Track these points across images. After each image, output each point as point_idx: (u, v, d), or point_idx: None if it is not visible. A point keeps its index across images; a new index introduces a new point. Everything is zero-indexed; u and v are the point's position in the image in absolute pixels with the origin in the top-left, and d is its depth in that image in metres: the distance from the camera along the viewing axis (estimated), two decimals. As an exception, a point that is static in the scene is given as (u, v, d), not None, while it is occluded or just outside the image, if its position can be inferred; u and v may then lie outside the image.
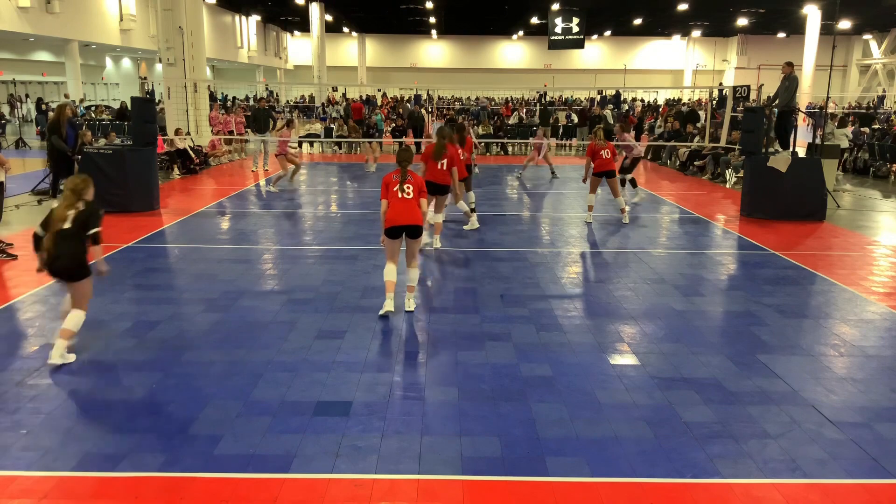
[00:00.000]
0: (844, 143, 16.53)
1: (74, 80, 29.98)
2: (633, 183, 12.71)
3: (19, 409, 4.33)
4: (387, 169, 13.66)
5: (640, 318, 6.22)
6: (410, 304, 6.32)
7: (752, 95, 19.78)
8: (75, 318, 5.02)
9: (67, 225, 4.93)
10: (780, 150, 12.41)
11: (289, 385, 4.71)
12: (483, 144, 20.77)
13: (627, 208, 10.91)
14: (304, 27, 46.10)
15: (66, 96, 28.73)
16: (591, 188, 10.57)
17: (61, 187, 11.08)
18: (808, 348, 5.55)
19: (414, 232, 6.15)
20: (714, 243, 9.45)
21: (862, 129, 20.61)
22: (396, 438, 4.02)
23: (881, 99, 42.05)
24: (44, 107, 27.49)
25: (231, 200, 12.40)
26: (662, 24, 46.92)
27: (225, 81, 49.82)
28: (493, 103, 36.06)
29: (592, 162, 10.26)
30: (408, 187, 6.07)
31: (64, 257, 4.90)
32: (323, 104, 36.49)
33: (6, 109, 29.53)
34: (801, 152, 12.05)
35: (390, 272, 6.19)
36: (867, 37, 48.47)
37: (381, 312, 6.13)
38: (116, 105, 35.25)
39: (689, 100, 37.97)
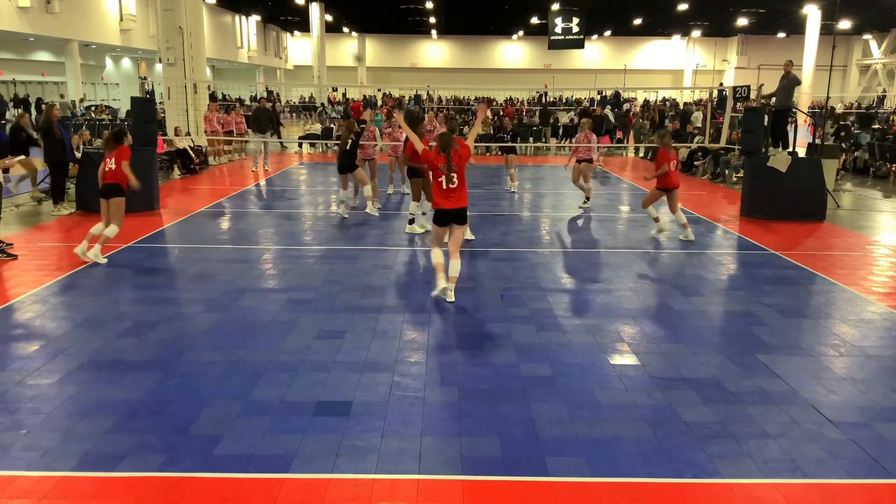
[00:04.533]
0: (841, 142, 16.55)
1: (74, 80, 29.98)
2: None
3: (19, 409, 4.32)
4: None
5: (640, 318, 6.21)
6: (451, 296, 6.49)
7: (752, 95, 19.77)
8: None
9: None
10: (773, 148, 12.41)
11: (289, 385, 4.71)
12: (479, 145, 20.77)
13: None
14: (304, 27, 46.13)
15: (63, 97, 28.76)
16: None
17: (68, 189, 11.11)
18: (808, 348, 5.55)
19: (461, 217, 6.46)
20: (714, 243, 9.45)
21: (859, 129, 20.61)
22: (396, 438, 4.02)
23: (881, 99, 42.03)
24: (43, 106, 27.47)
25: (231, 200, 12.40)
26: (662, 24, 46.91)
27: (225, 81, 49.80)
28: (494, 104, 36.02)
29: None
30: (454, 177, 6.35)
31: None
32: (323, 104, 36.51)
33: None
34: (801, 152, 12.05)
35: (437, 255, 6.54)
36: (867, 37, 48.45)
37: (436, 293, 6.48)
38: (117, 105, 35.32)
39: (665, 100, 37.53)
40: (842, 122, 15.26)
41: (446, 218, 6.41)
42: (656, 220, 9.38)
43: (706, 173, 16.09)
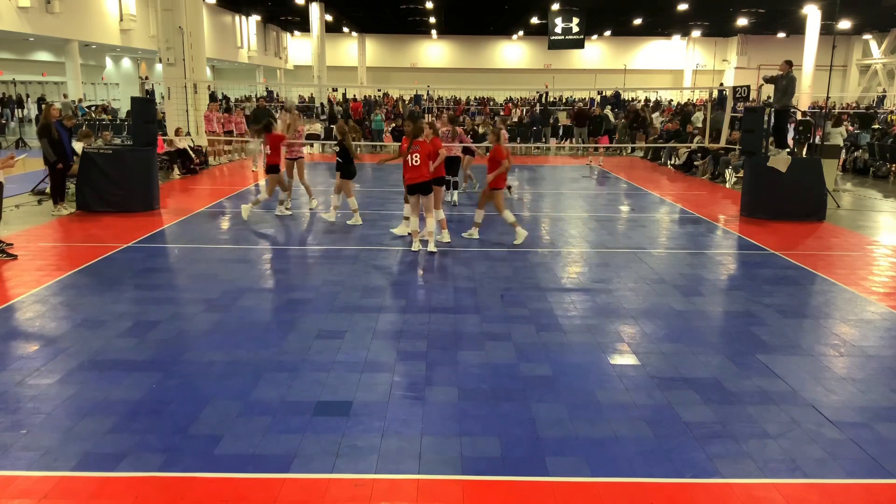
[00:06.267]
0: (839, 141, 16.55)
1: (74, 80, 29.99)
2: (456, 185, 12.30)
3: (19, 409, 4.32)
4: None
5: (640, 318, 6.21)
6: (432, 246, 8.39)
7: (752, 95, 19.79)
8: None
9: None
10: (775, 148, 12.42)
11: (289, 385, 4.71)
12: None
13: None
14: (304, 27, 46.09)
15: (65, 96, 28.77)
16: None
17: (68, 190, 11.10)
18: (808, 348, 5.55)
19: (424, 189, 8.18)
20: (714, 243, 9.45)
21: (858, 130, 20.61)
22: (396, 438, 4.02)
23: (881, 99, 42.03)
24: (44, 106, 27.46)
25: (231, 200, 12.40)
26: (662, 24, 46.92)
27: (225, 81, 49.80)
28: (492, 103, 36.09)
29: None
30: (415, 156, 8.05)
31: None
32: (322, 104, 36.48)
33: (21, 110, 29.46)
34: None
35: (414, 224, 8.54)
36: (867, 37, 48.45)
37: (414, 248, 8.42)
38: (117, 105, 35.30)
39: (648, 100, 37.34)
40: (803, 118, 15.37)
41: (413, 189, 8.23)
42: (514, 224, 8.94)
43: (706, 173, 16.09)
